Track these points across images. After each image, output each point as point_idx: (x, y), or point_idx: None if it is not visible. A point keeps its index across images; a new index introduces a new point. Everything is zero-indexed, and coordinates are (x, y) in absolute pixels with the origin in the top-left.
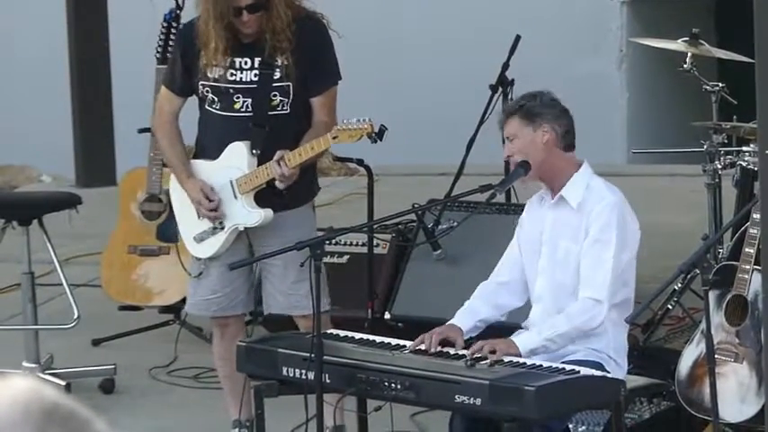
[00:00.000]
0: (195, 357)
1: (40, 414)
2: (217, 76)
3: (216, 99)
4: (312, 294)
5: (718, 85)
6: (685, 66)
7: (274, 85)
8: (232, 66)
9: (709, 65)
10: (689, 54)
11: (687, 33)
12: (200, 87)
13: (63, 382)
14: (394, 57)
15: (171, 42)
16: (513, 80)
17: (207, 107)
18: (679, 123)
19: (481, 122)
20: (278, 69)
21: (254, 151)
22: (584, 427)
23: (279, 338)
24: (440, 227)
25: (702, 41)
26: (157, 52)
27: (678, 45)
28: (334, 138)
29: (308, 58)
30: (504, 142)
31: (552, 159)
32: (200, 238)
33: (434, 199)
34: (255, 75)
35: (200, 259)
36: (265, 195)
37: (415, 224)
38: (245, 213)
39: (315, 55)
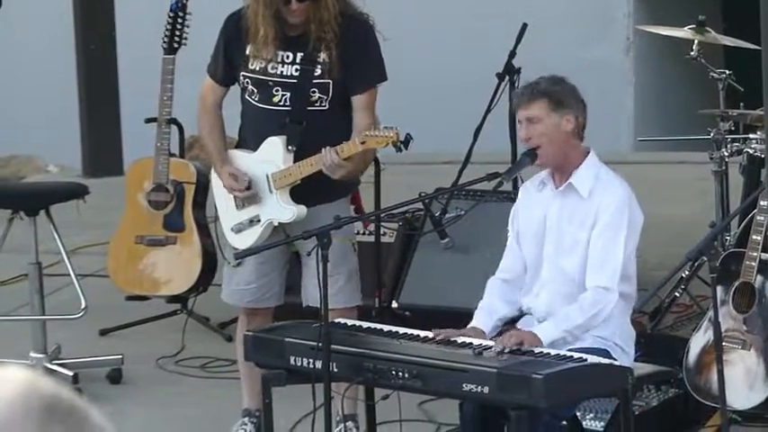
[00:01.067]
0: (202, 347)
1: (40, 410)
2: (258, 68)
3: (255, 90)
4: (320, 284)
5: (725, 73)
6: (692, 53)
7: (314, 81)
8: (275, 59)
9: (715, 52)
10: (695, 41)
11: (694, 21)
12: (242, 78)
13: (70, 373)
14: (401, 45)
15: (177, 31)
16: (519, 68)
17: (247, 98)
18: (686, 111)
19: (488, 111)
20: (319, 66)
21: (289, 147)
22: (591, 415)
23: (286, 328)
24: (447, 215)
25: (709, 29)
26: (164, 42)
27: (685, 32)
28: (362, 143)
29: (351, 55)
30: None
31: (567, 148)
32: (237, 229)
33: (441, 187)
34: (296, 69)
35: (237, 249)
36: (302, 190)
37: (422, 213)
38: (280, 209)
39: (358, 52)
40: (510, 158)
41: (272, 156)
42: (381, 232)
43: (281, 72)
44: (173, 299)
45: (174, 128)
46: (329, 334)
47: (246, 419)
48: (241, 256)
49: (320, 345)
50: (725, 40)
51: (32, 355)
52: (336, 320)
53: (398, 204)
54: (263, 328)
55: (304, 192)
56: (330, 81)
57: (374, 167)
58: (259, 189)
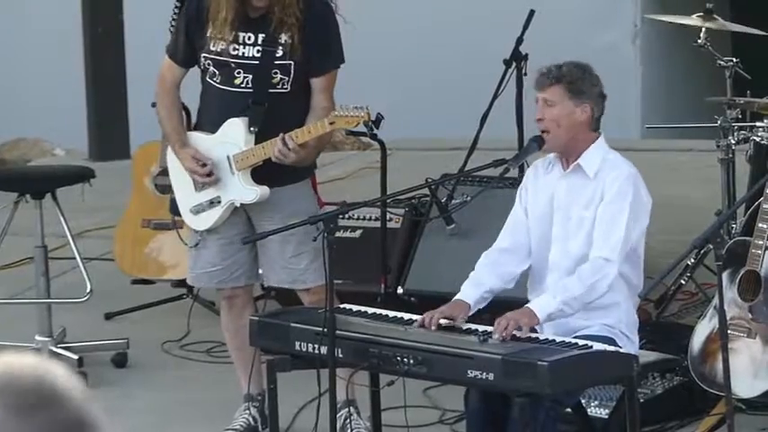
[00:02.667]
0: (208, 332)
1: (17, 397)
2: (219, 50)
3: (217, 72)
4: (326, 269)
5: (732, 60)
6: (699, 41)
7: (276, 62)
8: (236, 40)
9: (723, 40)
10: (703, 29)
11: (701, 8)
12: (203, 59)
13: (75, 356)
14: (408, 31)
15: None
16: (526, 55)
17: (208, 79)
18: (693, 98)
19: (495, 97)
20: (281, 47)
21: (251, 128)
22: (596, 402)
23: (291, 313)
24: (453, 201)
25: (716, 16)
26: (171, 26)
27: (692, 20)
28: (331, 123)
29: (313, 37)
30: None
31: (580, 135)
32: (196, 211)
33: (448, 173)
34: (258, 51)
35: (197, 231)
36: (262, 171)
37: (428, 199)
38: (242, 190)
39: (319, 35)
40: (517, 145)
41: (234, 137)
42: (387, 218)
43: (243, 53)
44: (178, 283)
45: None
46: (334, 319)
47: (249, 404)
48: (248, 240)
49: (325, 330)
50: (732, 27)
51: (38, 338)
52: (342, 306)
53: (405, 190)
54: (269, 313)
55: (265, 173)
56: (292, 62)
57: (381, 152)
58: (219, 170)
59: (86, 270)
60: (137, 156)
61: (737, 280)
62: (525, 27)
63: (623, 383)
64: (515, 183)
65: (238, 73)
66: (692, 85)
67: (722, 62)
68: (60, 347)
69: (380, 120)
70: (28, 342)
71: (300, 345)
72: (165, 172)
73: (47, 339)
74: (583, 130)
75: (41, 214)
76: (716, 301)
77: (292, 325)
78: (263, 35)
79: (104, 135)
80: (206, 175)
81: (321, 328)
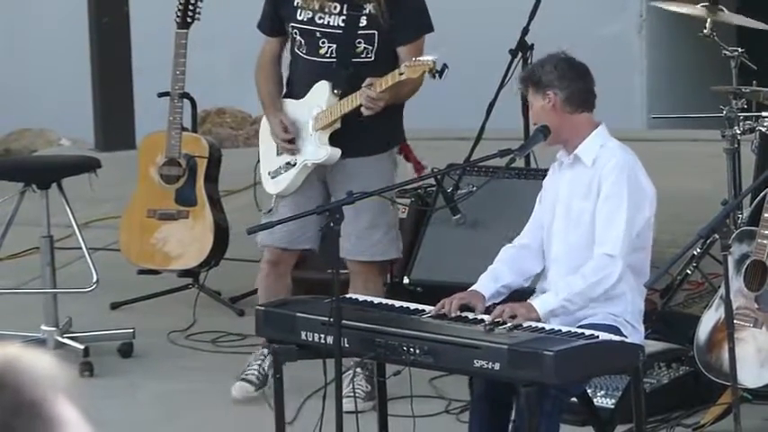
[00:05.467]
0: (213, 321)
1: None
2: (306, 19)
3: (303, 42)
4: (333, 258)
5: (737, 51)
6: (705, 31)
7: (359, 32)
8: (322, 9)
9: (728, 30)
10: (708, 19)
11: None
12: (290, 29)
13: (81, 346)
14: None
15: (190, 6)
16: (532, 45)
17: (295, 50)
18: (698, 88)
19: (501, 87)
20: (364, 17)
21: (335, 91)
22: (602, 392)
23: (297, 303)
24: (459, 191)
25: (722, 7)
26: (177, 16)
27: (697, 10)
28: (400, 74)
29: (396, 6)
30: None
31: (563, 122)
32: (274, 174)
33: (454, 163)
34: (342, 20)
35: (272, 196)
36: (340, 139)
37: (434, 189)
38: (316, 149)
39: (403, 4)
40: (522, 135)
41: (318, 99)
42: None
43: (328, 22)
44: (184, 273)
45: (186, 102)
46: (340, 309)
47: (266, 350)
48: (253, 231)
49: (331, 320)
50: (737, 18)
51: (44, 328)
52: (348, 296)
53: (411, 180)
54: (275, 302)
55: (347, 141)
56: (375, 32)
57: None
58: (301, 132)
59: (92, 260)
60: (142, 146)
61: (744, 270)
62: (531, 17)
63: (629, 373)
64: (521, 173)
65: (323, 43)
66: (697, 75)
67: (728, 52)
68: (66, 337)
69: (445, 69)
70: (34, 332)
71: (307, 334)
72: (170, 162)
73: (53, 329)
74: (560, 116)
75: (47, 204)
76: (722, 290)
77: (298, 315)
78: (348, 4)
79: (110, 125)
80: (287, 141)
81: (327, 318)
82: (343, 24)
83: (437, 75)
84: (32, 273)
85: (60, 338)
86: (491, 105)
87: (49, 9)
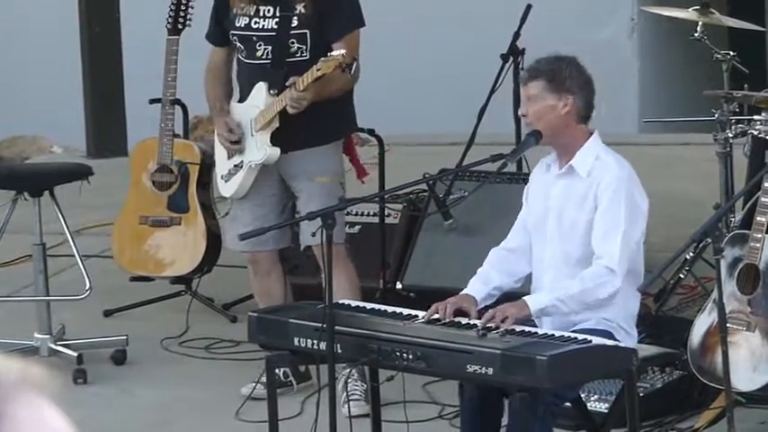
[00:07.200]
0: (207, 328)
1: None
2: (243, 25)
3: (242, 47)
4: (324, 263)
5: (729, 54)
6: (696, 34)
7: (292, 32)
8: (257, 14)
9: (719, 33)
10: (700, 23)
11: (698, 2)
12: (231, 37)
13: (74, 353)
14: (405, 26)
15: (181, 12)
16: (524, 49)
17: (238, 56)
18: (690, 92)
19: (492, 92)
20: (296, 17)
21: (271, 91)
22: (596, 396)
23: (290, 308)
24: (451, 196)
25: (713, 10)
26: (168, 23)
27: (689, 14)
28: (318, 69)
29: (325, 4)
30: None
31: (567, 129)
32: (227, 178)
33: (445, 168)
34: (276, 22)
35: (227, 199)
36: (283, 134)
37: (426, 194)
38: (255, 150)
39: (331, 1)
40: (514, 139)
41: (257, 100)
42: (386, 213)
43: (263, 26)
44: (177, 280)
45: (178, 109)
46: (333, 315)
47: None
48: (247, 236)
49: (324, 326)
50: (729, 21)
51: (37, 335)
52: (341, 301)
53: (403, 185)
54: (268, 308)
55: (284, 136)
56: (307, 31)
57: (378, 148)
58: (245, 135)
59: (85, 267)
60: (134, 153)
61: (736, 273)
62: (522, 21)
63: (623, 377)
64: (513, 178)
65: (259, 46)
66: (689, 78)
67: (719, 56)
68: (59, 345)
69: (354, 63)
70: (27, 340)
71: (299, 340)
72: (162, 169)
73: (46, 337)
74: (568, 124)
75: (39, 212)
76: (715, 294)
77: (291, 321)
78: (280, 6)
79: (102, 132)
80: (232, 142)
81: (320, 324)
82: (276, 26)
83: (347, 69)
84: (25, 280)
85: (54, 346)
86: (482, 110)
87: (41, 17)
